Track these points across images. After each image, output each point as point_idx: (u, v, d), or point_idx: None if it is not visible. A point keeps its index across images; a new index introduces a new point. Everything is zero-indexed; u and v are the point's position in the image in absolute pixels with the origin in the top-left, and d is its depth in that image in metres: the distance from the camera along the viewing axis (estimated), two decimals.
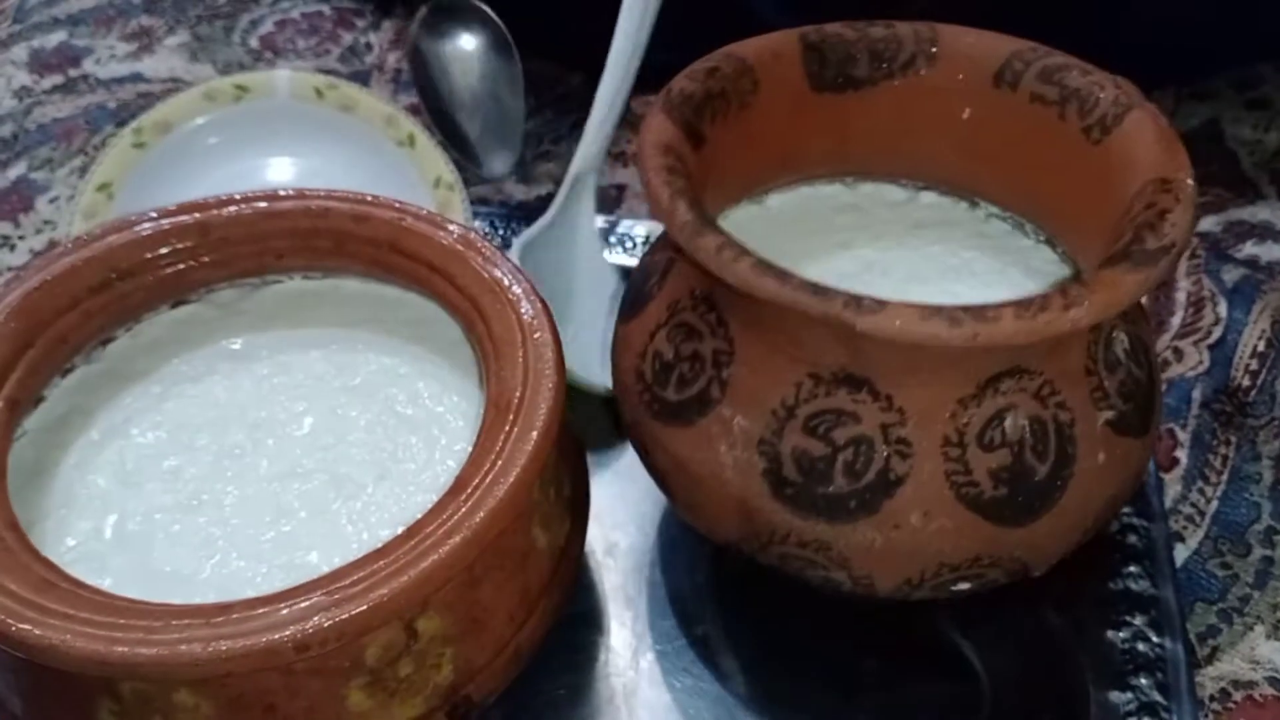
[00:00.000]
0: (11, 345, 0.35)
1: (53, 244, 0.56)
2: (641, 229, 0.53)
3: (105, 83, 0.68)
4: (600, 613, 0.39)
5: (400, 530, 0.31)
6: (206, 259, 0.39)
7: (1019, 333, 0.28)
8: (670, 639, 0.39)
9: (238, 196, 0.39)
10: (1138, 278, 0.29)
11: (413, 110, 0.56)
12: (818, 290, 0.29)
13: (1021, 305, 0.28)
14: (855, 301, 0.28)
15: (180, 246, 0.39)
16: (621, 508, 0.42)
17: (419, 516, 0.31)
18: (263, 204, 0.39)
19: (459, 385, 0.39)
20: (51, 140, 0.63)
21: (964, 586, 0.33)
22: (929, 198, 0.42)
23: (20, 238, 0.56)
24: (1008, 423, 0.31)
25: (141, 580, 0.33)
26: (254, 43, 0.71)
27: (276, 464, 0.37)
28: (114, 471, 0.36)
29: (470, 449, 0.35)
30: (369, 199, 0.39)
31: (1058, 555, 0.34)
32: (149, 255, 0.38)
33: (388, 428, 0.38)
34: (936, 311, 0.28)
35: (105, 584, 0.32)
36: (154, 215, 0.39)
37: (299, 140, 0.51)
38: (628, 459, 0.42)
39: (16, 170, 0.61)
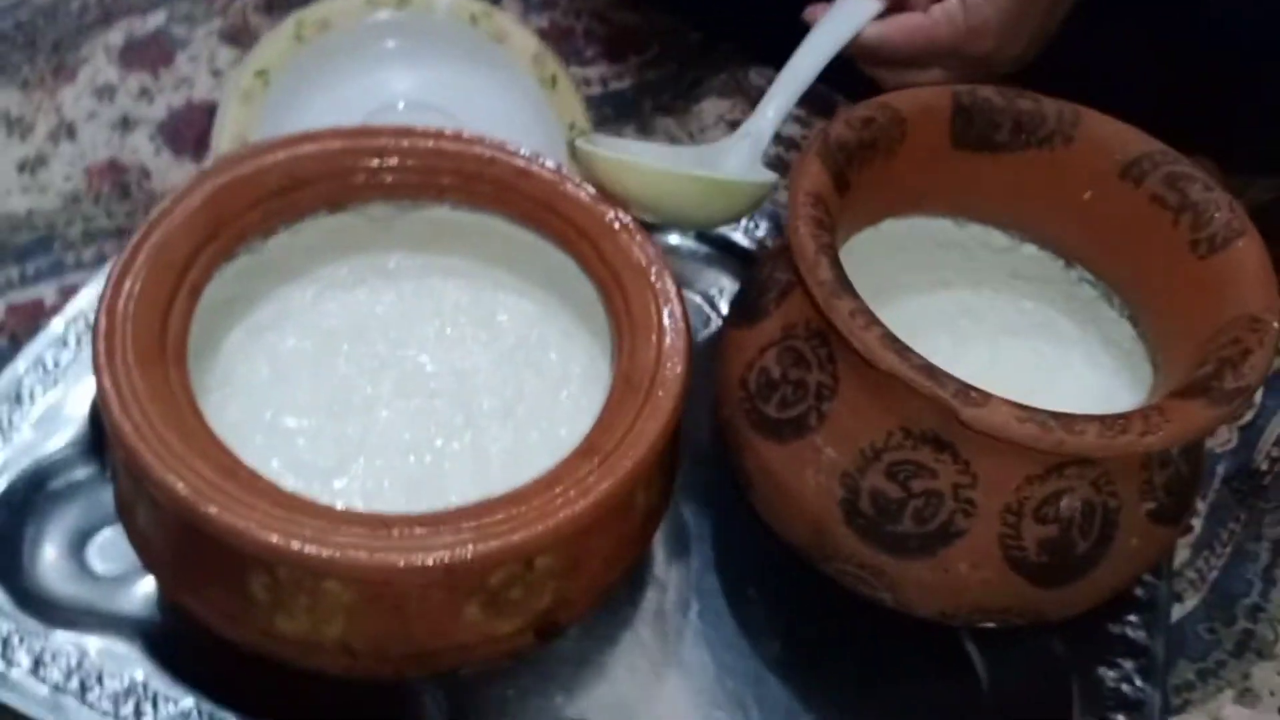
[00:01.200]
0: (199, 237, 0.39)
1: (192, 106, 0.58)
2: None
3: None
4: (663, 566, 0.44)
5: (528, 476, 0.35)
6: (376, 180, 0.42)
7: (1098, 448, 0.32)
8: (717, 595, 0.43)
9: (415, 129, 0.43)
10: (1211, 414, 0.33)
11: (543, 34, 0.58)
12: (933, 374, 0.33)
13: (1105, 424, 0.32)
14: (964, 392, 0.32)
15: (358, 165, 0.42)
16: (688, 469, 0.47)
17: (550, 467, 0.35)
18: (436, 141, 0.43)
19: (584, 340, 0.42)
20: None
21: (989, 624, 0.38)
22: (1030, 250, 0.46)
23: (159, 91, 0.59)
24: (1064, 502, 0.35)
25: (296, 469, 0.37)
26: None
27: (410, 380, 0.41)
28: (269, 364, 0.40)
29: (590, 406, 0.40)
30: (534, 156, 0.43)
31: (1077, 613, 0.39)
32: (327, 168, 0.42)
33: (514, 365, 0.42)
34: (1031, 416, 0.32)
35: (271, 466, 0.36)
36: (336, 133, 0.42)
37: (448, 61, 0.54)
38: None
39: (156, 20, 0.63)
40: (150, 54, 0.61)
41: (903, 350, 0.33)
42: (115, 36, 0.61)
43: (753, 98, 0.65)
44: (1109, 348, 0.44)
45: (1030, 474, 0.35)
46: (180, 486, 0.32)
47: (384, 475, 0.38)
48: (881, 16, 0.53)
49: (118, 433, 0.33)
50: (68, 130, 0.56)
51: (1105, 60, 0.61)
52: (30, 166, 0.54)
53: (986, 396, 0.32)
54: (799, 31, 0.54)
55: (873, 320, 0.34)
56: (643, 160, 0.44)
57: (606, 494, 0.34)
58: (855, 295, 0.34)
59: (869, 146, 0.39)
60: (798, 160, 0.38)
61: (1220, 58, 0.57)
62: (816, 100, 0.65)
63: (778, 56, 0.55)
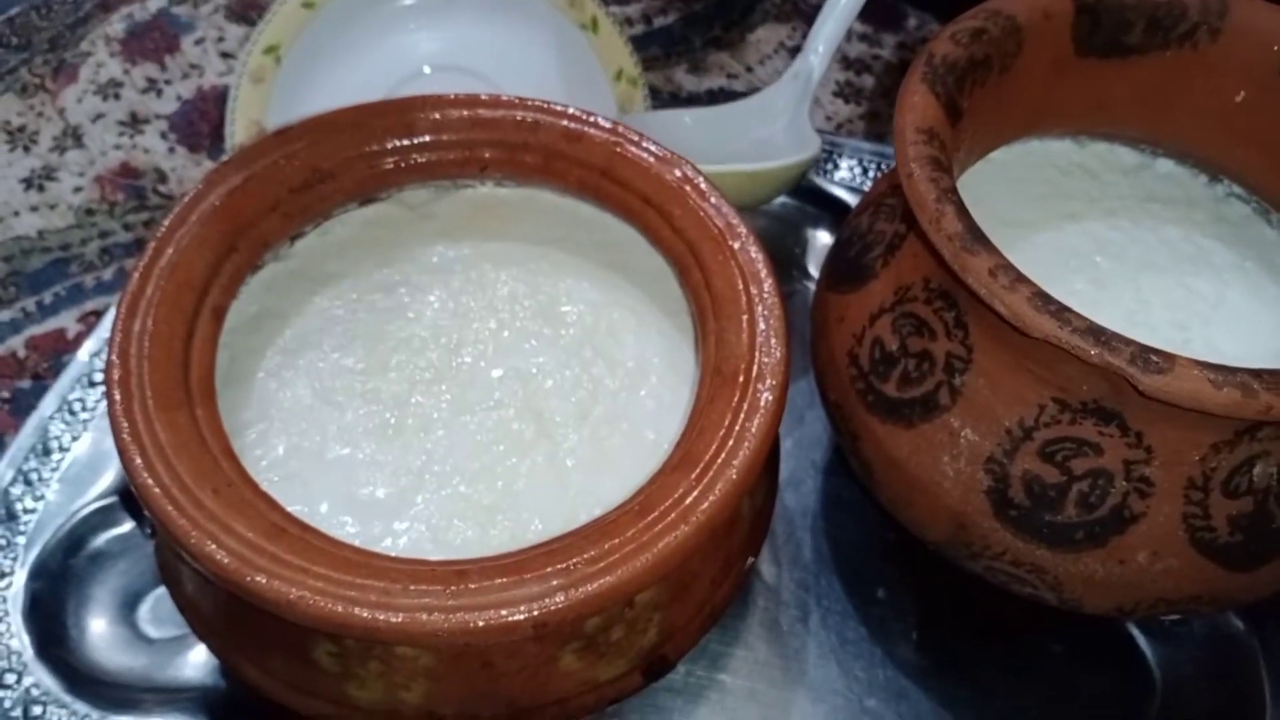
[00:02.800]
0: (216, 250, 0.34)
1: (204, 94, 0.53)
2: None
3: None
4: (772, 570, 0.39)
5: (615, 491, 0.31)
6: (409, 162, 0.37)
7: None
8: (839, 598, 0.38)
9: (447, 98, 0.37)
10: None
11: None
12: (1101, 338, 0.27)
13: None
14: (1143, 357, 0.26)
15: (385, 148, 0.37)
16: (791, 456, 0.41)
17: (641, 484, 0.30)
18: (471, 110, 0.37)
19: (659, 324, 0.37)
20: None
21: (1173, 617, 0.32)
22: (1165, 166, 0.39)
23: (167, 82, 0.54)
24: (1257, 470, 0.30)
25: (352, 508, 0.32)
26: None
27: (470, 392, 0.36)
28: (311, 386, 0.35)
29: (675, 402, 0.35)
30: (583, 115, 0.37)
31: (1269, 594, 0.33)
32: (353, 154, 0.36)
33: (583, 361, 0.37)
34: (1228, 378, 0.26)
35: (322, 510, 0.32)
36: (360, 112, 0.37)
37: (474, 13, 0.48)
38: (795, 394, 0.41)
39: (157, 2, 0.58)
40: (154, 41, 0.56)
41: (1059, 311, 0.27)
42: (116, 26, 0.56)
43: (810, 17, 0.58)
44: (1272, 274, 0.37)
45: (1217, 441, 0.29)
46: (221, 556, 0.27)
47: (452, 506, 0.33)
48: None
49: (144, 497, 0.28)
50: (74, 135, 0.51)
51: None
52: (37, 181, 0.50)
53: (1170, 360, 0.27)
54: None
55: (1018, 277, 0.28)
56: None
57: (710, 514, 0.29)
58: (992, 248, 0.29)
59: (981, 64, 0.33)
60: (901, 90, 0.32)
61: None
62: (881, 11, 0.58)
63: None
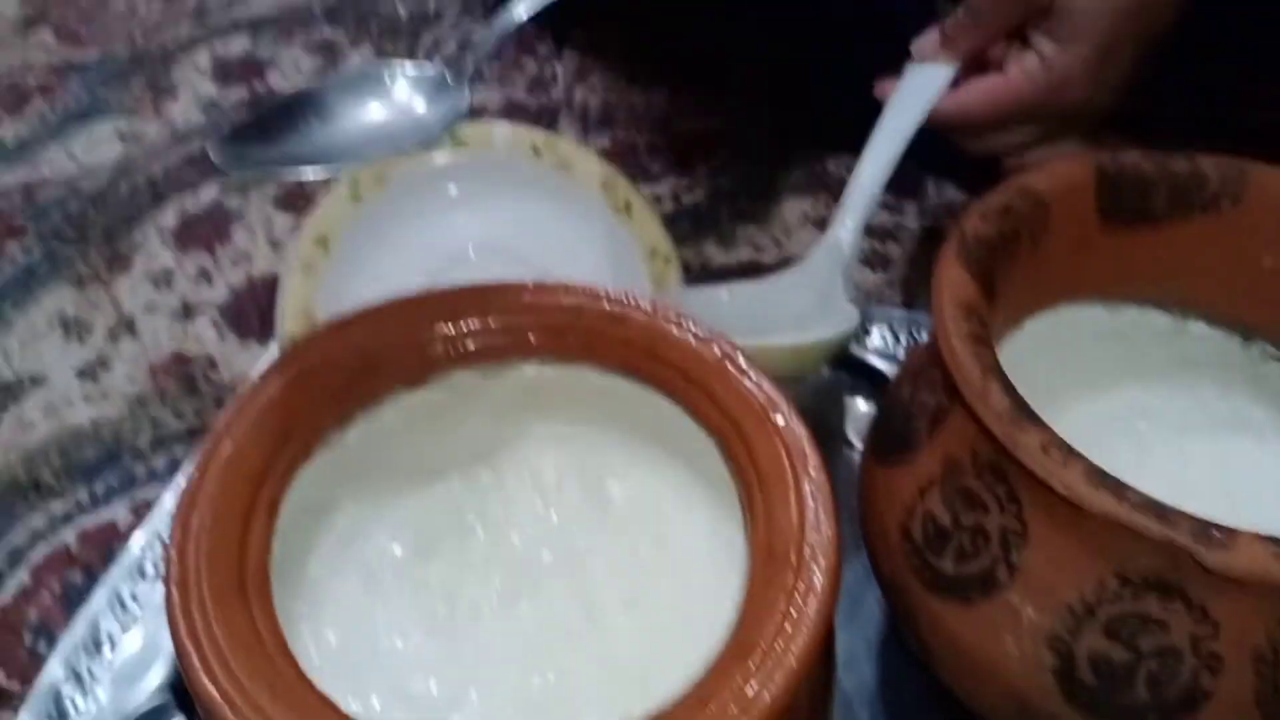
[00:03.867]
0: (272, 442, 0.34)
1: (253, 283, 0.55)
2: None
3: None
4: None
5: (669, 680, 0.30)
6: (457, 348, 0.38)
7: None
8: None
9: (494, 285, 0.38)
10: None
11: (605, 155, 0.54)
12: (1161, 514, 0.27)
13: None
14: (1203, 533, 0.26)
15: (434, 335, 0.38)
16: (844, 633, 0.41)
17: (698, 677, 0.30)
18: (517, 296, 0.38)
19: (705, 501, 0.37)
20: None
21: None
22: (1198, 329, 0.40)
23: (218, 271, 0.56)
24: None
25: (405, 703, 0.32)
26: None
27: (519, 578, 0.36)
28: (361, 575, 0.35)
29: (726, 584, 0.34)
30: (625, 297, 0.38)
31: None
32: (404, 343, 0.37)
33: (632, 543, 0.37)
34: None
35: (375, 706, 0.32)
36: (410, 302, 0.38)
37: (514, 198, 0.50)
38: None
39: (209, 193, 0.60)
40: (205, 231, 0.58)
41: (1115, 486, 0.27)
42: (168, 217, 0.59)
43: (834, 190, 0.60)
44: None
45: None
46: None
47: (505, 700, 0.32)
48: (955, 81, 0.49)
49: (201, 699, 0.28)
50: (127, 326, 0.53)
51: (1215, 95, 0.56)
52: (91, 371, 0.51)
53: (1232, 535, 0.26)
54: (873, 108, 0.50)
55: (1070, 453, 0.28)
56: None
57: (771, 704, 0.28)
58: (1041, 423, 0.29)
59: (1011, 239, 0.34)
60: (936, 268, 0.33)
61: None
62: (901, 180, 0.60)
63: (855, 139, 0.51)
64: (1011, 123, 0.50)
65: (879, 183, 0.47)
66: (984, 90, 0.48)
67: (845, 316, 0.44)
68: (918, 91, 0.49)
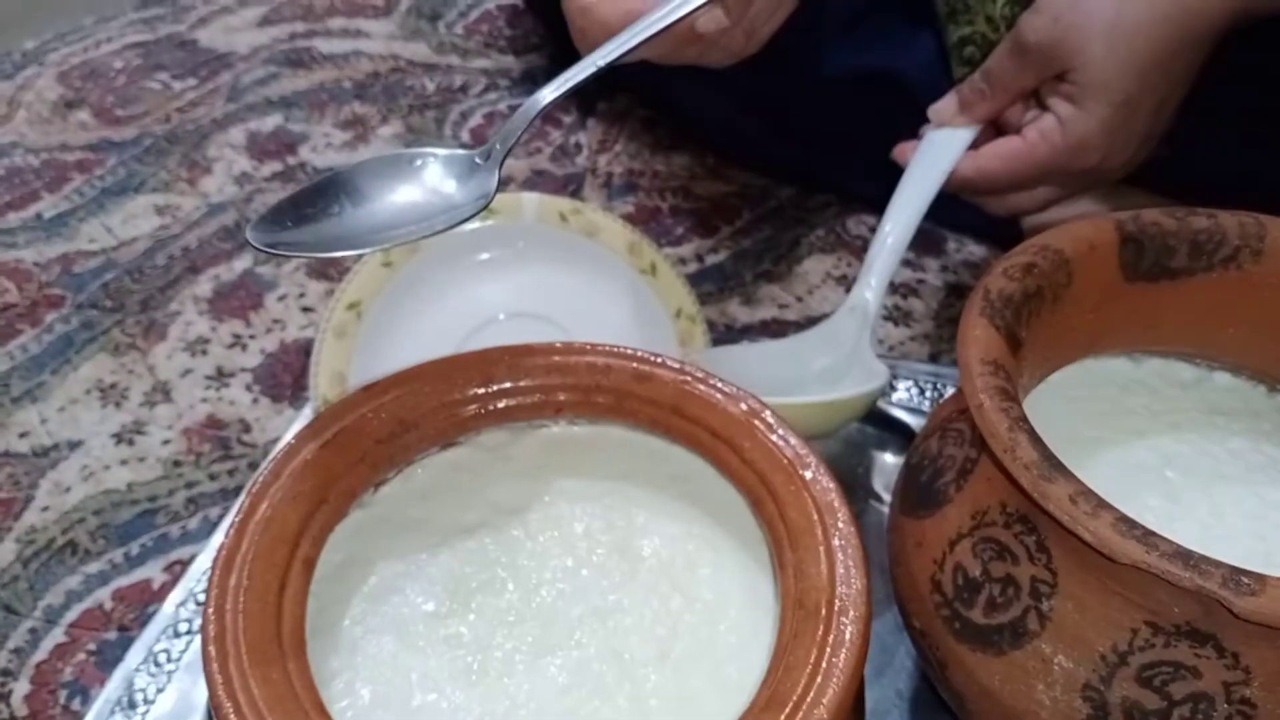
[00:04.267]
0: (308, 503, 0.35)
1: (285, 346, 0.57)
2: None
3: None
4: None
5: None
6: (488, 409, 0.39)
7: None
8: None
9: (523, 347, 0.39)
10: None
11: (629, 219, 0.55)
12: (1190, 562, 0.27)
13: None
14: (1234, 579, 0.26)
15: (466, 396, 0.39)
16: (874, 685, 0.41)
17: None
18: (546, 358, 0.39)
19: (735, 555, 0.37)
20: None
21: None
22: (1223, 379, 0.40)
23: (251, 337, 0.57)
24: None
25: None
26: (465, 136, 0.72)
27: (550, 632, 0.36)
28: (395, 632, 0.36)
29: (756, 636, 0.35)
30: (652, 357, 0.39)
31: None
32: (435, 404, 0.38)
33: (661, 596, 0.37)
34: None
35: None
36: (442, 365, 0.39)
37: (543, 264, 0.51)
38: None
39: (242, 263, 0.62)
40: (239, 299, 0.60)
41: (1145, 536, 0.27)
42: (203, 286, 0.61)
43: (855, 249, 0.61)
44: None
45: None
46: None
47: None
48: (974, 144, 0.50)
49: None
50: (163, 391, 0.54)
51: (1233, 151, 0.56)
52: (127, 436, 0.52)
53: (1262, 581, 0.26)
54: (894, 170, 0.51)
55: (1100, 503, 0.28)
56: None
57: None
58: (1069, 474, 0.29)
59: (1035, 296, 0.35)
60: (962, 324, 0.33)
61: None
62: (921, 237, 0.61)
63: (876, 199, 0.52)
64: (1030, 184, 0.50)
65: (902, 243, 0.48)
66: (1002, 153, 0.49)
67: (875, 373, 0.45)
68: (937, 155, 0.50)
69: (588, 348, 0.39)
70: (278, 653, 0.31)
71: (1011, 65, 0.47)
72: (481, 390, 0.39)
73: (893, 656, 0.40)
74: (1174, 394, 0.40)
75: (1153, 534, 0.28)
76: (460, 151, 0.38)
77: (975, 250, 0.61)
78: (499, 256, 0.51)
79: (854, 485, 0.47)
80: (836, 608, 0.32)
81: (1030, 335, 0.35)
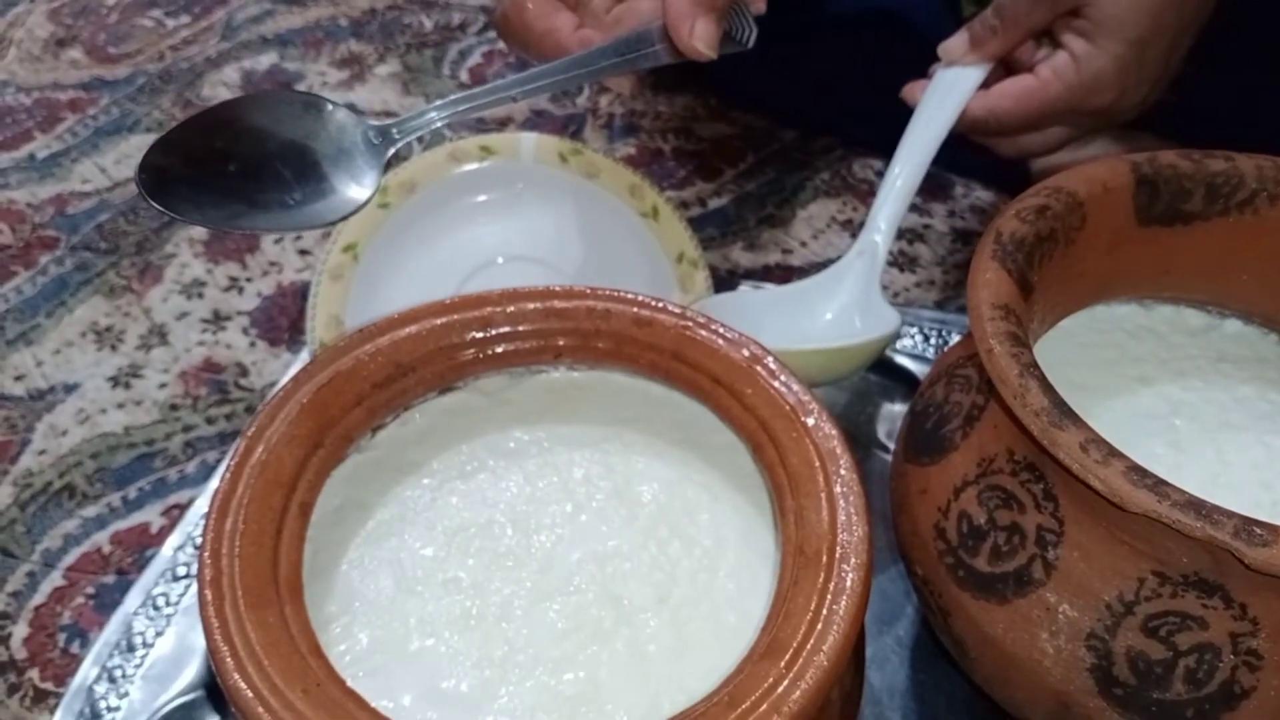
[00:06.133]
0: (304, 446, 0.35)
1: (282, 289, 0.56)
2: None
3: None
4: None
5: (699, 678, 0.30)
6: (486, 353, 0.38)
7: None
8: None
9: (522, 290, 0.39)
10: None
11: (630, 161, 0.54)
12: (1202, 512, 0.26)
13: None
14: (1246, 530, 0.26)
15: (464, 340, 0.38)
16: (874, 632, 0.41)
17: (728, 674, 0.30)
18: (546, 301, 0.38)
19: (734, 502, 0.37)
20: None
21: None
22: (1233, 326, 0.39)
23: (248, 279, 0.57)
24: None
25: (436, 702, 0.32)
26: (464, 75, 0.70)
27: (549, 577, 0.36)
28: (393, 576, 0.35)
29: (755, 582, 0.34)
30: (653, 301, 0.38)
31: None
32: (433, 348, 0.38)
33: (660, 541, 0.37)
34: None
35: (406, 705, 0.32)
36: (439, 308, 0.38)
37: (542, 206, 0.50)
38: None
39: None
40: (235, 241, 0.59)
41: (1156, 485, 0.27)
42: (198, 229, 0.60)
43: (860, 192, 0.61)
44: None
45: None
46: None
47: (535, 699, 0.32)
48: (985, 83, 0.49)
49: (235, 700, 0.28)
50: (159, 334, 0.54)
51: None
52: (124, 379, 0.52)
53: (1275, 531, 0.26)
54: (900, 112, 0.50)
55: (1111, 451, 0.28)
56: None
57: (802, 704, 0.28)
58: (1080, 421, 0.29)
59: (1048, 239, 0.34)
60: (973, 268, 0.32)
61: None
62: (928, 181, 0.60)
63: (881, 142, 0.51)
64: (1043, 124, 0.49)
65: (912, 186, 0.47)
66: (1014, 92, 0.48)
67: (886, 319, 0.44)
68: (947, 94, 0.49)
69: (587, 292, 0.39)
70: (274, 597, 0.31)
71: (1025, 0, 0.46)
72: (480, 334, 0.38)
73: (893, 605, 0.39)
74: (1182, 341, 0.39)
75: (1164, 483, 0.27)
76: (359, 118, 0.38)
77: (983, 195, 0.60)
78: (497, 198, 0.50)
79: (856, 433, 0.47)
80: (838, 555, 0.31)
81: (1042, 279, 0.34)
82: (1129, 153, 0.37)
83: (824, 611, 0.30)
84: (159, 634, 0.39)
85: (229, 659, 0.29)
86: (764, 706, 0.28)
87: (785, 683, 0.29)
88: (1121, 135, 0.52)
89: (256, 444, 0.34)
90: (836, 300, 0.46)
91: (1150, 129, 0.52)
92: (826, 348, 0.43)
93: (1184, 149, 0.36)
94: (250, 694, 0.28)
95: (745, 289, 0.52)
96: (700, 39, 0.42)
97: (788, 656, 0.29)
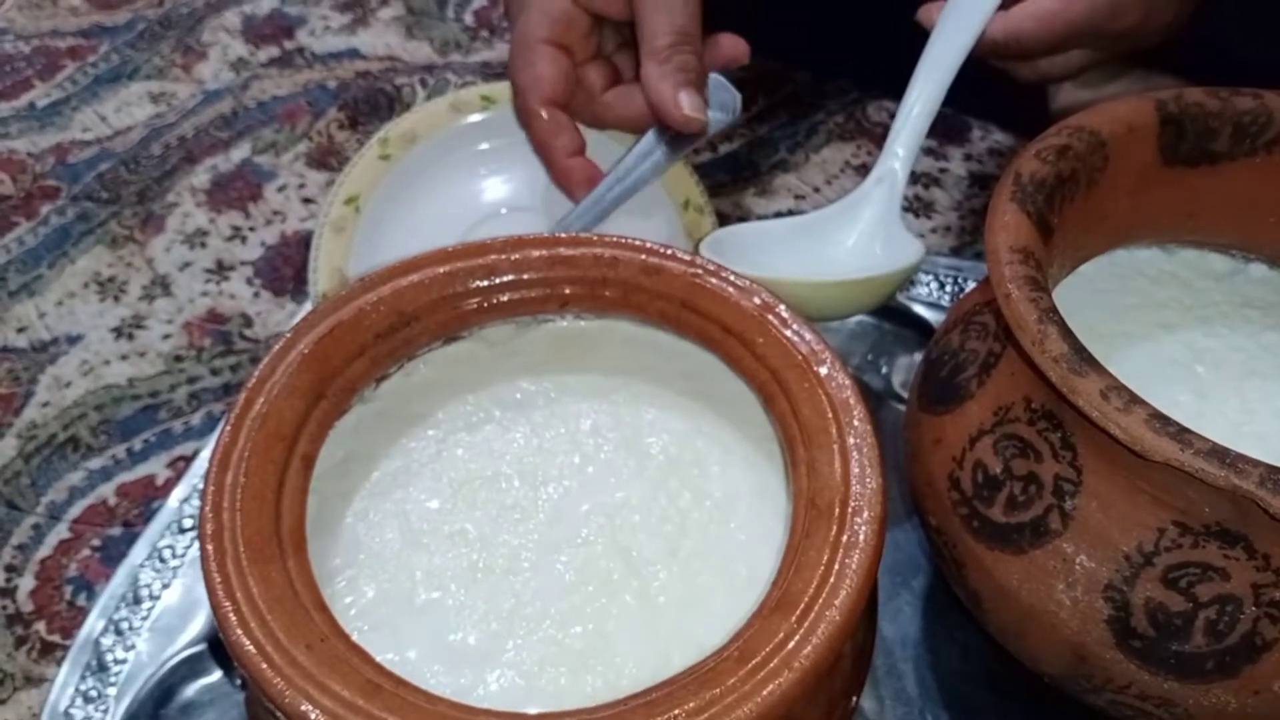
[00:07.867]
0: (305, 398, 0.34)
1: (286, 239, 0.55)
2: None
3: (322, 58, 0.66)
4: (875, 706, 0.37)
5: (710, 631, 0.29)
6: (491, 302, 0.38)
7: None
8: None
9: (527, 238, 0.38)
10: None
11: None
12: (1226, 461, 0.26)
13: None
14: (1271, 479, 0.25)
15: (468, 289, 0.37)
16: (886, 582, 0.40)
17: (738, 627, 0.29)
18: (551, 249, 0.37)
19: (745, 453, 0.36)
20: (274, 121, 0.62)
21: None
22: (1259, 271, 0.38)
23: (251, 229, 0.56)
24: None
25: (443, 655, 0.32)
26: (468, 19, 0.69)
27: (557, 529, 0.35)
28: (399, 529, 0.35)
29: (767, 534, 0.34)
30: (661, 248, 0.37)
31: None
32: (437, 297, 0.37)
33: (670, 493, 0.36)
34: None
35: (412, 659, 0.31)
36: (442, 256, 0.37)
37: None
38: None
39: (240, 152, 0.60)
40: (238, 190, 0.58)
41: (1179, 433, 0.26)
42: (201, 177, 0.59)
43: (875, 136, 0.59)
44: None
45: None
46: (315, 715, 0.27)
47: (543, 651, 0.32)
48: (1004, 4, 0.47)
49: (238, 655, 0.28)
50: (162, 284, 0.53)
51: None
52: (127, 330, 0.51)
53: None
54: (915, 51, 0.48)
55: (1132, 398, 0.27)
56: (777, 275, 0.39)
57: (814, 659, 0.28)
58: (1101, 368, 0.28)
59: (1069, 180, 0.33)
60: (991, 210, 0.31)
61: None
62: (944, 124, 0.58)
63: (896, 85, 0.49)
64: (1064, 47, 0.47)
65: (930, 110, 0.45)
66: (1036, 12, 0.46)
67: (909, 248, 0.42)
68: (965, 15, 0.46)
69: (594, 239, 0.38)
70: (277, 551, 0.31)
71: None
72: (484, 283, 0.37)
73: (906, 557, 0.39)
74: (1206, 286, 0.38)
75: (1187, 431, 0.26)
76: None
77: (1000, 138, 0.59)
78: (500, 147, 0.49)
79: (870, 383, 0.46)
80: (851, 507, 0.31)
81: (1062, 222, 0.33)
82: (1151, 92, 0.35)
83: (836, 565, 0.30)
84: (165, 586, 0.38)
85: (231, 615, 0.29)
86: (775, 661, 0.28)
87: (796, 638, 0.28)
88: (1143, 76, 0.50)
89: (257, 396, 0.34)
90: (856, 229, 0.44)
91: (1173, 69, 0.50)
92: (849, 279, 0.42)
93: (1210, 87, 0.35)
94: (253, 650, 0.28)
95: (762, 221, 0.50)
96: (690, 109, 0.45)
97: (799, 611, 0.29)
